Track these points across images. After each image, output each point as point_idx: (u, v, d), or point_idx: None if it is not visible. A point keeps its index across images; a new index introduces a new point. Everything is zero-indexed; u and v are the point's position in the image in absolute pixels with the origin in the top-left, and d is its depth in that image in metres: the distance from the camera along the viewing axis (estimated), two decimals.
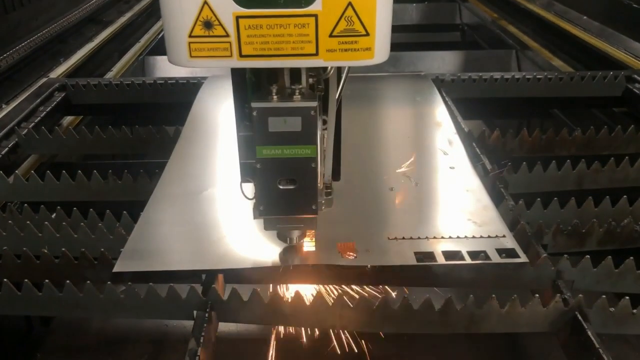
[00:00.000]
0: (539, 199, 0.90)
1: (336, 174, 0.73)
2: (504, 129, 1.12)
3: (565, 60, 1.68)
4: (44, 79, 1.42)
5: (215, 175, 0.96)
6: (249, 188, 0.68)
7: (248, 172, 0.66)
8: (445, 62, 2.02)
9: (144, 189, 0.95)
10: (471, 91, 1.35)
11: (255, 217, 0.69)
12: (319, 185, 0.67)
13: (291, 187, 0.65)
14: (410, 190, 0.91)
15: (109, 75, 1.64)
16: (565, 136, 1.11)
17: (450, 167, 0.97)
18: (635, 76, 1.33)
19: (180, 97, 1.32)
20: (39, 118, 1.22)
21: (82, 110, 1.39)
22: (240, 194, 0.68)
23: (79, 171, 0.99)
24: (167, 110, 1.34)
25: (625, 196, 0.89)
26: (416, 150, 1.03)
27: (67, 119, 1.38)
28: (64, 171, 0.99)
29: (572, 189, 1.00)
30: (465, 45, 2.56)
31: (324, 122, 0.65)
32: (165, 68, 1.87)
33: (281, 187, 0.64)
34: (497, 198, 0.90)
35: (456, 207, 0.86)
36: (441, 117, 1.16)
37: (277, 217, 0.68)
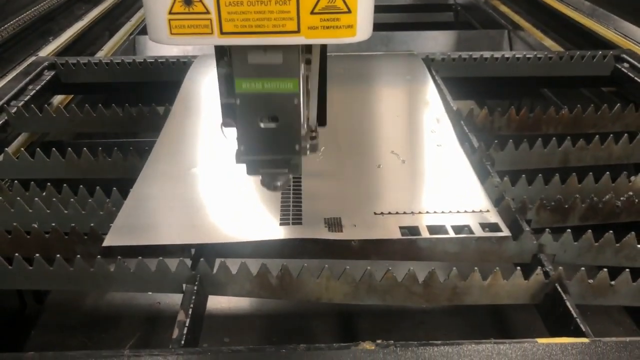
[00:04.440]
0: (523, 175, 0.91)
1: (322, 119, 0.69)
2: (493, 108, 1.13)
3: (556, 39, 1.68)
4: (33, 58, 1.41)
5: (204, 152, 0.97)
6: (231, 132, 0.65)
7: (229, 113, 0.63)
8: (437, 42, 2.02)
9: (134, 166, 0.95)
10: (461, 70, 1.35)
11: (237, 162, 0.65)
12: (304, 128, 0.64)
13: (273, 125, 0.61)
14: (397, 167, 0.92)
15: (100, 54, 1.63)
16: (552, 114, 1.12)
17: (438, 145, 0.98)
18: (624, 56, 1.34)
19: (170, 76, 1.31)
20: (28, 96, 1.21)
21: (72, 89, 1.39)
22: (231, 170, 0.67)
23: (69, 149, 0.99)
24: (157, 89, 1.34)
25: (607, 173, 0.91)
26: (404, 128, 1.03)
27: (58, 98, 1.37)
28: (54, 149, 0.99)
29: (557, 166, 1.02)
30: (458, 26, 2.55)
31: (308, 61, 0.62)
32: (156, 48, 1.86)
33: (262, 125, 0.61)
34: (483, 175, 0.91)
35: (442, 183, 0.87)
36: (430, 95, 1.17)
37: (259, 159, 0.65)
